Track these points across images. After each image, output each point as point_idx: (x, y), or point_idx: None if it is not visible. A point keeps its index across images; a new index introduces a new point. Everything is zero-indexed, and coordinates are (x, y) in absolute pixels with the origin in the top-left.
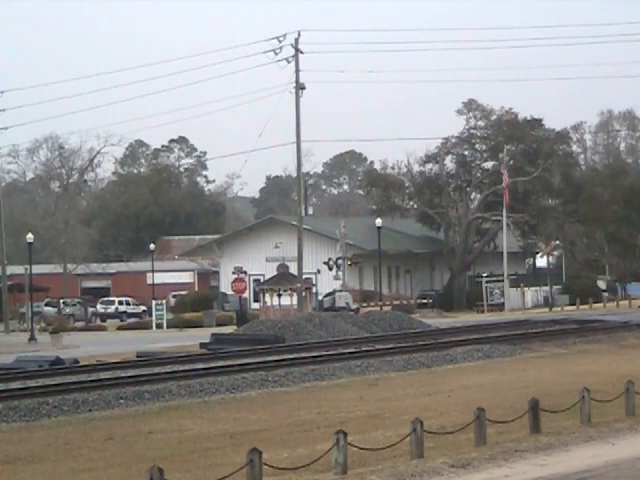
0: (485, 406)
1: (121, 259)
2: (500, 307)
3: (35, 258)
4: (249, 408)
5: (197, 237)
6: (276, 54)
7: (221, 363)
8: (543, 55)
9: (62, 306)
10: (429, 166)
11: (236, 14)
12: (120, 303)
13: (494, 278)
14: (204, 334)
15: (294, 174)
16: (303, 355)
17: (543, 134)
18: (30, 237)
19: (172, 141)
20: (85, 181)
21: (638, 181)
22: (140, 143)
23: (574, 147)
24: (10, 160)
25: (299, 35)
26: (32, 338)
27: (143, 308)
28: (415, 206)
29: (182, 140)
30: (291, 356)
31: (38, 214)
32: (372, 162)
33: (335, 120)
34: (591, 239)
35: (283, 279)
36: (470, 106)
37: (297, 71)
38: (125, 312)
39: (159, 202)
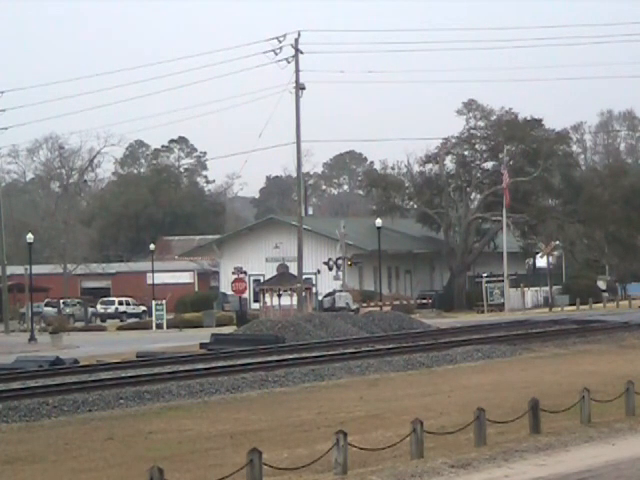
0: (485, 406)
1: (121, 259)
2: (500, 307)
3: (35, 258)
4: (249, 408)
5: (197, 237)
6: (276, 54)
7: (221, 363)
8: (543, 55)
9: (62, 306)
10: (429, 166)
11: (236, 14)
12: (120, 303)
13: (494, 278)
14: (204, 334)
15: (294, 174)
16: (303, 355)
17: (543, 134)
18: (30, 237)
19: (172, 141)
20: (85, 181)
21: (638, 181)
22: (140, 143)
23: (574, 147)
24: (10, 160)
25: (299, 35)
26: (32, 338)
27: (143, 308)
28: (415, 206)
29: (182, 140)
30: (291, 356)
31: (38, 214)
32: (372, 162)
33: (335, 120)
34: (591, 239)
35: (283, 279)
36: (470, 106)
37: (297, 71)
38: (125, 312)
39: (159, 202)
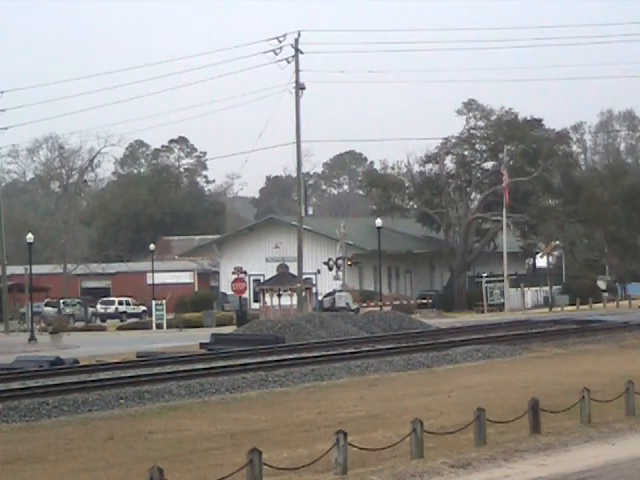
0: (485, 406)
1: (121, 259)
2: (500, 307)
3: (35, 258)
4: (249, 408)
5: (197, 237)
6: (276, 54)
7: (221, 363)
8: (543, 55)
9: (62, 306)
10: (429, 166)
11: (236, 14)
12: (120, 303)
13: (494, 278)
14: (204, 334)
15: (294, 174)
16: (303, 355)
17: (543, 134)
18: (30, 237)
19: (172, 141)
20: (85, 181)
21: (638, 181)
22: (140, 143)
23: (574, 147)
24: (10, 160)
25: (299, 35)
26: (32, 338)
27: (143, 308)
28: (415, 206)
29: (182, 140)
30: (291, 356)
31: (38, 214)
32: (372, 162)
33: (335, 120)
34: (591, 239)
35: (283, 279)
36: (470, 106)
37: (297, 71)
38: (125, 312)
39: (159, 202)
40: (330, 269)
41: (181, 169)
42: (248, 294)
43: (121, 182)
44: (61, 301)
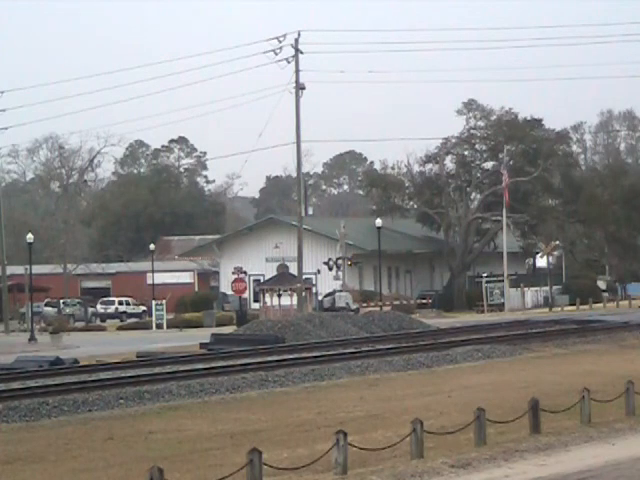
0: (485, 406)
1: (121, 259)
2: (500, 307)
3: (35, 258)
4: (249, 408)
5: (197, 237)
6: (276, 54)
7: (221, 363)
8: (543, 55)
9: (62, 306)
10: (429, 166)
11: (236, 14)
12: (120, 303)
13: (494, 278)
14: (204, 334)
15: (294, 174)
16: (303, 355)
17: (543, 134)
18: (30, 237)
19: (172, 141)
20: (85, 181)
21: (638, 181)
22: (140, 143)
23: (574, 147)
24: (10, 160)
25: (299, 35)
26: (32, 338)
27: (143, 308)
28: (415, 206)
29: (182, 140)
30: (291, 356)
31: (38, 214)
32: (372, 162)
33: (335, 120)
34: (591, 239)
35: (283, 279)
36: (470, 106)
37: (297, 71)
38: (125, 312)
39: (159, 202)
40: (330, 269)
41: (181, 169)
42: (248, 294)
43: (121, 182)
44: (61, 301)
